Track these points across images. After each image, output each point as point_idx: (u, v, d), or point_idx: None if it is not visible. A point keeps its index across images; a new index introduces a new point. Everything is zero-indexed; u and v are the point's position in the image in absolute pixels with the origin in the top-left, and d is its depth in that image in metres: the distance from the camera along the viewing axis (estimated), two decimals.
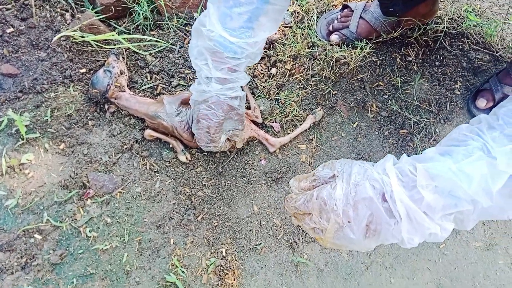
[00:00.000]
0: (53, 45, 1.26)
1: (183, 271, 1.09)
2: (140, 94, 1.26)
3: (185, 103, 1.15)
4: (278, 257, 1.14)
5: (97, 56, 1.29)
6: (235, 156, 1.23)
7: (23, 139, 1.15)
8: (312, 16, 1.43)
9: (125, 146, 1.19)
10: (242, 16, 0.87)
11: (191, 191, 1.18)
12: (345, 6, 1.44)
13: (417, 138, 1.27)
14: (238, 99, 1.03)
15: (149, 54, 1.32)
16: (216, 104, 1.01)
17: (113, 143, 1.19)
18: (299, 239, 1.15)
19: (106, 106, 1.23)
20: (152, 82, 1.29)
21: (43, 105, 1.20)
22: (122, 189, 1.16)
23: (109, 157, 1.18)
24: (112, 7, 1.32)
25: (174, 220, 1.14)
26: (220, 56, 0.93)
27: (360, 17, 1.37)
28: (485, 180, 0.58)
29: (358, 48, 1.35)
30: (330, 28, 1.41)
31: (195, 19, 1.37)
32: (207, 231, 1.14)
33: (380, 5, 1.32)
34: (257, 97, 1.29)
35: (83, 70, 1.27)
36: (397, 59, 1.38)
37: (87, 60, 1.28)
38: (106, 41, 1.30)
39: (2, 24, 1.25)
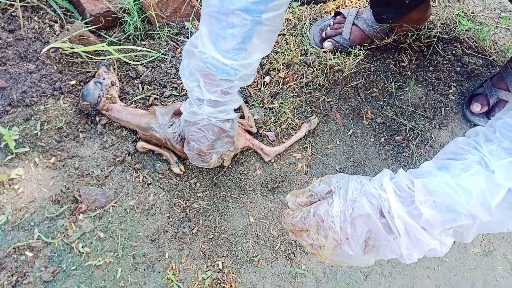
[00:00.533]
0: (42, 57, 1.24)
1: (179, 286, 1.07)
2: (132, 105, 1.24)
3: (178, 114, 1.13)
4: (276, 268, 1.12)
5: (87, 68, 1.27)
6: (230, 166, 1.21)
7: (12, 153, 1.12)
8: (304, 24, 1.42)
9: (118, 159, 1.17)
10: (235, 37, 0.85)
11: (186, 203, 1.16)
12: (337, 13, 1.44)
13: (413, 145, 1.27)
14: (230, 121, 1.00)
15: (141, 64, 1.30)
16: (207, 127, 0.99)
17: (105, 156, 1.17)
18: (296, 249, 1.13)
19: (97, 118, 1.21)
20: (144, 92, 1.27)
21: (32, 118, 1.17)
22: (115, 203, 1.13)
23: (101, 170, 1.16)
24: (102, 17, 1.30)
25: (169, 233, 1.12)
26: (212, 79, 0.90)
27: (353, 23, 1.37)
28: (484, 195, 0.57)
29: (352, 55, 1.34)
30: (323, 35, 1.40)
31: (187, 28, 1.35)
32: (202, 243, 1.12)
33: (373, 13, 1.32)
34: (251, 106, 1.27)
35: (73, 82, 1.25)
36: (391, 65, 1.37)
37: (77, 72, 1.26)
38: (97, 52, 1.28)
39: None
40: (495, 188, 0.57)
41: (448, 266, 1.16)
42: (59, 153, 1.16)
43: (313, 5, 1.50)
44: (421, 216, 0.58)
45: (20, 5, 1.27)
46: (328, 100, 1.31)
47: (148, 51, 1.31)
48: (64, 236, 1.08)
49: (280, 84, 1.31)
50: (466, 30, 1.44)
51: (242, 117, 1.24)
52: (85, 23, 1.29)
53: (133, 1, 1.31)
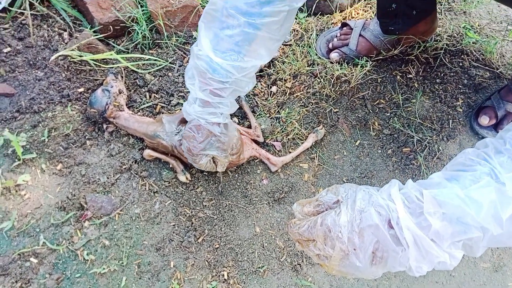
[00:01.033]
0: (51, 65, 1.25)
1: None
2: (139, 113, 1.24)
3: (185, 122, 1.13)
4: (282, 280, 1.10)
5: (95, 75, 1.28)
6: (236, 175, 1.21)
7: (19, 159, 1.12)
8: (311, 34, 1.43)
9: (124, 166, 1.17)
10: (232, 38, 0.85)
11: (192, 212, 1.15)
12: (344, 24, 1.44)
13: (421, 157, 1.26)
14: (220, 126, 0.99)
15: (148, 73, 1.31)
16: (196, 127, 0.99)
17: (111, 163, 1.17)
18: (303, 261, 1.12)
19: (105, 126, 1.21)
20: (151, 101, 1.27)
21: (40, 125, 1.18)
22: (120, 211, 1.13)
23: (108, 178, 1.15)
24: (110, 26, 1.31)
25: (174, 242, 1.11)
26: (204, 76, 0.90)
27: (360, 35, 1.37)
28: (495, 207, 0.56)
29: (359, 66, 1.34)
30: (330, 46, 1.40)
31: (195, 38, 1.36)
32: (208, 253, 1.11)
33: (380, 24, 1.32)
34: (258, 115, 1.27)
35: (81, 90, 1.25)
36: (398, 77, 1.37)
37: (85, 80, 1.27)
38: (105, 60, 1.29)
39: None
40: (506, 200, 0.56)
41: (457, 281, 1.14)
42: (66, 160, 1.16)
43: (319, 16, 1.51)
44: (430, 227, 0.57)
45: (30, 13, 1.29)
46: (335, 110, 1.31)
47: (155, 60, 1.31)
48: (69, 243, 1.07)
49: (287, 94, 1.31)
50: (473, 43, 1.44)
51: (249, 126, 1.24)
52: (94, 32, 1.30)
53: (142, 11, 1.32)
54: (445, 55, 1.41)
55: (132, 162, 1.18)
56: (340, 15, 1.51)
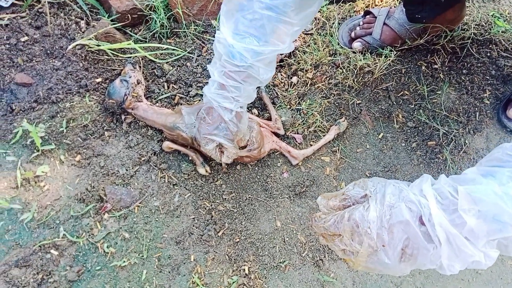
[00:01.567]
0: (68, 54, 1.23)
1: None
2: (157, 104, 1.22)
3: None
4: (303, 275, 1.09)
5: (113, 65, 1.25)
6: (256, 168, 1.18)
7: (38, 150, 1.11)
8: (333, 23, 1.38)
9: (143, 158, 1.16)
10: (251, 22, 0.83)
11: (211, 205, 1.13)
12: (367, 12, 1.39)
13: (447, 150, 1.22)
14: (231, 112, 0.95)
15: (166, 62, 1.28)
16: (208, 109, 0.98)
17: (130, 155, 1.16)
18: (325, 256, 1.10)
19: (123, 117, 1.19)
20: (170, 91, 1.25)
21: (58, 115, 1.16)
22: (140, 203, 1.12)
23: (127, 170, 1.14)
24: (128, 14, 1.28)
25: (194, 235, 1.10)
26: (221, 59, 0.89)
27: (384, 23, 1.32)
28: None
29: (383, 56, 1.30)
30: (352, 35, 1.36)
31: (214, 26, 1.33)
32: (228, 247, 1.10)
33: (406, 12, 1.27)
34: (278, 107, 1.24)
35: (99, 80, 1.23)
36: (423, 67, 1.33)
37: (103, 69, 1.25)
38: (122, 50, 1.26)
39: (16, 33, 1.22)
40: None
41: (483, 279, 1.11)
42: (84, 151, 1.14)
43: (341, 4, 1.46)
44: (464, 225, 0.55)
45: (47, 2, 1.26)
46: (358, 102, 1.27)
47: (174, 49, 1.29)
48: (89, 235, 1.07)
49: (308, 85, 1.28)
50: (502, 32, 1.38)
51: (269, 118, 1.21)
52: (111, 20, 1.27)
53: None
54: (472, 45, 1.36)
55: (151, 154, 1.16)
56: (363, 3, 1.46)
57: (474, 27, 1.38)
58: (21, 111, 1.15)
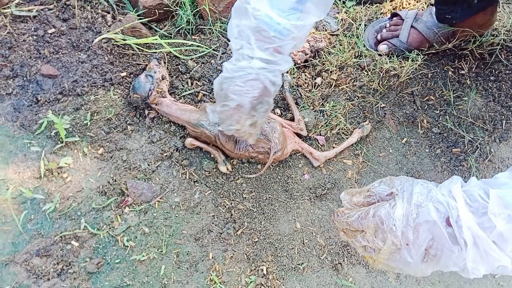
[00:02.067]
0: (94, 47, 1.24)
1: None
2: (180, 100, 1.22)
3: None
4: (321, 278, 1.08)
5: (138, 60, 1.26)
6: (277, 169, 1.18)
7: (62, 142, 1.13)
8: (359, 24, 1.37)
9: (165, 154, 1.16)
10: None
11: (231, 204, 1.13)
12: (394, 15, 1.37)
13: (472, 158, 1.20)
14: (276, 85, 0.92)
15: (191, 59, 1.28)
16: (252, 83, 0.90)
17: (152, 150, 1.16)
18: (344, 260, 1.09)
19: (146, 112, 1.20)
20: (193, 88, 1.25)
21: (82, 108, 1.17)
22: (160, 198, 1.12)
23: (148, 165, 1.15)
24: (155, 10, 1.28)
25: (213, 233, 1.10)
26: (265, 35, 0.85)
27: (412, 26, 1.30)
28: None
29: (409, 60, 1.28)
30: (378, 37, 1.34)
31: None
32: (247, 246, 1.10)
33: (437, 11, 1.25)
34: (301, 108, 1.24)
35: (124, 74, 1.24)
36: (450, 72, 1.30)
37: (128, 64, 1.25)
38: (147, 45, 1.27)
39: (44, 24, 1.23)
40: None
41: None
42: (107, 144, 1.15)
43: (368, 6, 1.44)
44: (493, 229, 0.55)
45: None
46: (382, 106, 1.26)
47: (198, 46, 1.28)
48: (110, 228, 1.08)
49: (332, 87, 1.27)
50: None
51: (292, 119, 1.21)
52: (138, 15, 1.27)
53: None
54: (502, 51, 1.33)
55: (173, 150, 1.16)
56: (390, 5, 1.44)
57: (504, 33, 1.35)
58: (46, 102, 1.17)
